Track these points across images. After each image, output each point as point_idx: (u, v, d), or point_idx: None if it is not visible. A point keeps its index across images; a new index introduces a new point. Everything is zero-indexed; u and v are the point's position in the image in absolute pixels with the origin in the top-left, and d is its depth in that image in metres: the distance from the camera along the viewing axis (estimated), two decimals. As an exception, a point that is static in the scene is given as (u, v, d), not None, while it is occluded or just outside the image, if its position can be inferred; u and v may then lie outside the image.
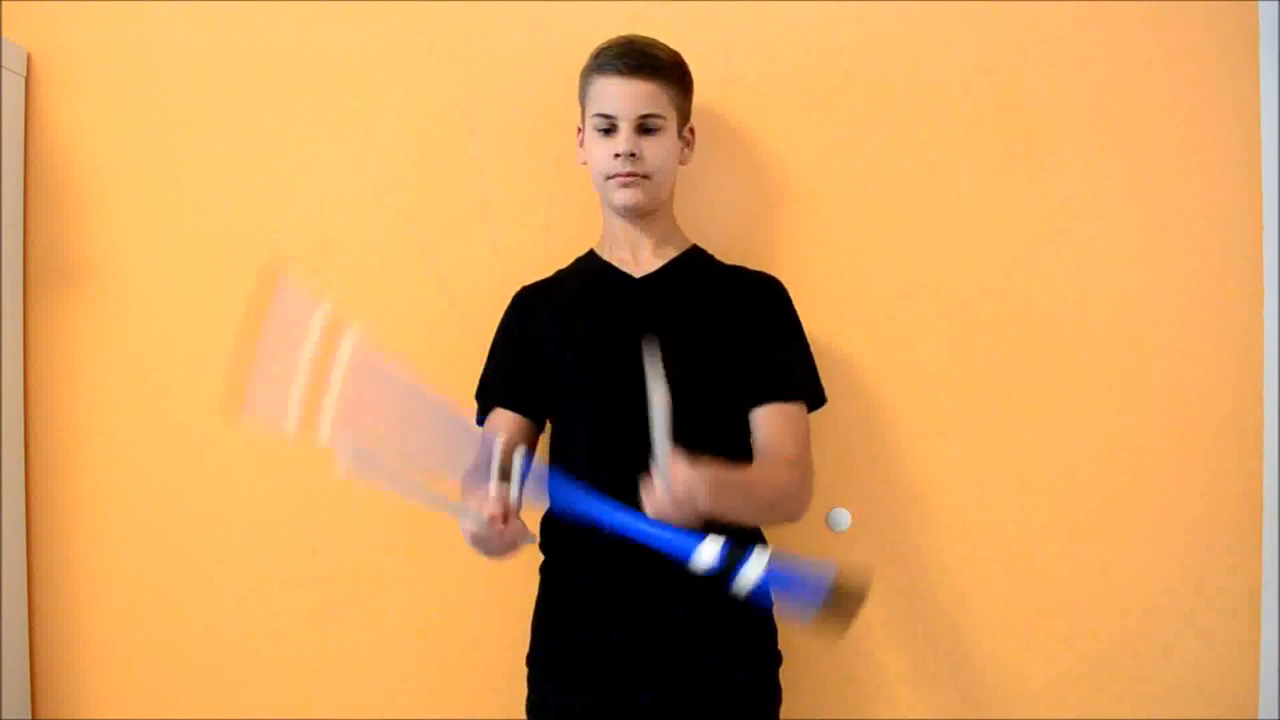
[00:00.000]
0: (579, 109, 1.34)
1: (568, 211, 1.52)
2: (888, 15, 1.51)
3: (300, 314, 1.08)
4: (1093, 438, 1.51)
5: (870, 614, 1.52)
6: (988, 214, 1.52)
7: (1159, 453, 1.51)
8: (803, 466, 1.24)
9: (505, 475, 1.06)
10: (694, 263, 1.36)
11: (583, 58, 1.32)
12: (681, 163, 1.33)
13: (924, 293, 1.52)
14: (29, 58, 1.56)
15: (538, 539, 1.27)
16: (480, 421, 1.34)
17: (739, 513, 1.11)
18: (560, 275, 1.39)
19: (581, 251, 1.39)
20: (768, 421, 1.26)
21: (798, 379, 1.30)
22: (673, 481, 1.00)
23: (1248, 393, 1.50)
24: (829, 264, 1.52)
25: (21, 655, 1.55)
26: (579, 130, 1.34)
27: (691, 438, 1.23)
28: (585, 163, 1.32)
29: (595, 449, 1.26)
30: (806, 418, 1.29)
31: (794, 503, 1.22)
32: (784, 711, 1.31)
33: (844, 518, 1.51)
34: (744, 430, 1.29)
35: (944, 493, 1.52)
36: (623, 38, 1.29)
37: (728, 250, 1.41)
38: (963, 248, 1.52)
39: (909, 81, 1.51)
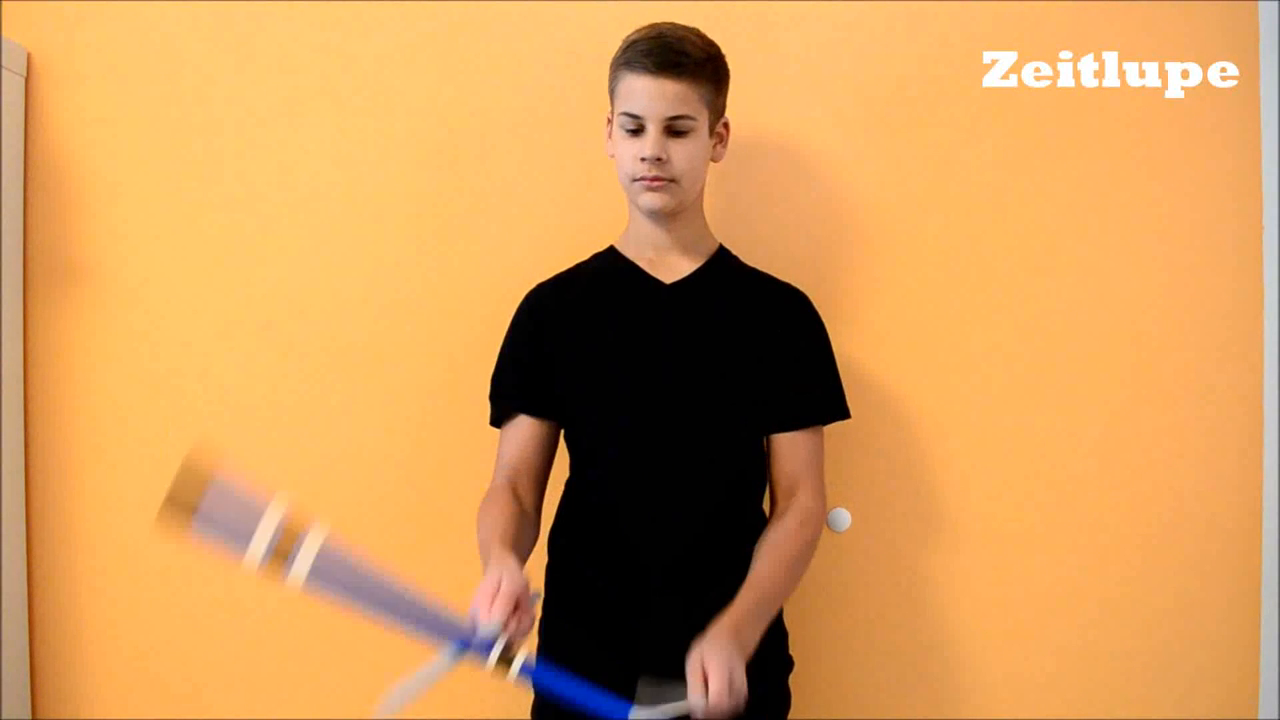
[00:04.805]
0: (608, 98, 1.28)
1: (578, 208, 1.52)
2: (895, 17, 1.51)
3: (243, 516, 0.90)
4: (1093, 438, 1.51)
5: (871, 616, 1.53)
6: (988, 215, 1.52)
7: (1159, 453, 1.51)
8: (815, 511, 1.25)
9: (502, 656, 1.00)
10: (722, 269, 1.32)
11: (593, 53, 1.30)
12: (714, 159, 1.28)
13: (925, 294, 1.52)
14: (29, 58, 1.56)
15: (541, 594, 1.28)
16: (496, 423, 1.32)
17: (768, 621, 1.15)
18: (577, 273, 1.35)
19: (594, 247, 1.36)
20: (790, 451, 1.27)
21: (824, 402, 1.30)
22: (716, 694, 1.00)
23: (1248, 393, 1.50)
24: (836, 264, 1.52)
25: (21, 655, 1.55)
26: (609, 120, 1.29)
27: (708, 454, 1.24)
28: (613, 155, 1.28)
29: (624, 456, 1.25)
30: (823, 436, 1.30)
31: (810, 554, 1.24)
32: (791, 714, 1.31)
33: (844, 518, 1.51)
34: (760, 448, 1.29)
35: (944, 493, 1.52)
36: (654, 30, 1.22)
37: (750, 249, 1.40)
38: (963, 249, 1.52)
39: (908, 80, 1.52)
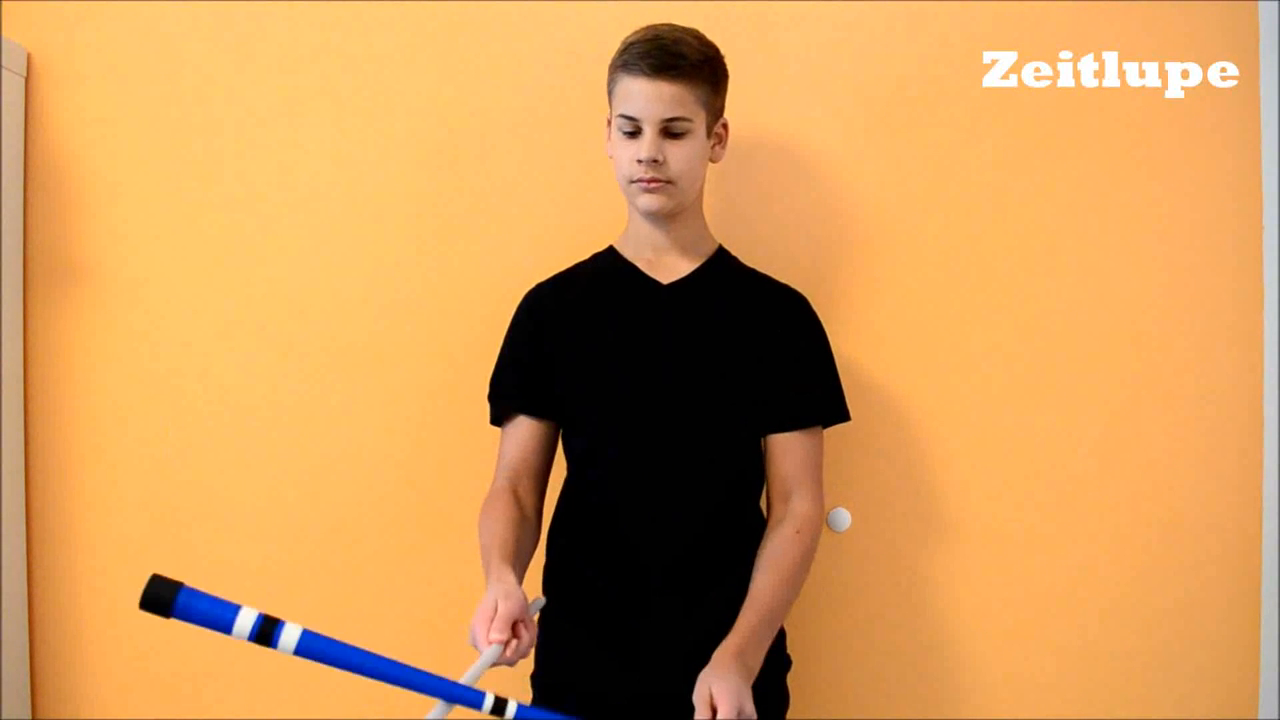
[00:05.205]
0: (607, 99, 1.28)
1: (578, 208, 1.52)
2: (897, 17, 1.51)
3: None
4: (1093, 438, 1.51)
5: (871, 616, 1.53)
6: (988, 215, 1.52)
7: (1159, 453, 1.51)
8: (812, 517, 1.24)
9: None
10: (721, 269, 1.32)
11: (593, 53, 1.29)
12: (713, 160, 1.28)
13: (925, 295, 1.52)
14: (29, 58, 1.56)
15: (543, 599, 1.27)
16: (497, 422, 1.32)
17: (771, 639, 1.16)
18: (576, 273, 1.35)
19: (594, 247, 1.36)
20: (787, 453, 1.27)
21: (822, 403, 1.30)
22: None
23: (1248, 393, 1.50)
24: (836, 264, 1.52)
25: (21, 655, 1.55)
26: (608, 122, 1.28)
27: (707, 454, 1.24)
28: (613, 156, 1.28)
29: (624, 456, 1.25)
30: (822, 438, 1.30)
31: (809, 562, 1.24)
32: (790, 713, 1.31)
33: (844, 518, 1.51)
34: (759, 448, 1.29)
35: (944, 493, 1.52)
36: (651, 31, 1.22)
37: (750, 249, 1.40)
38: (963, 249, 1.52)
39: (908, 80, 1.52)
